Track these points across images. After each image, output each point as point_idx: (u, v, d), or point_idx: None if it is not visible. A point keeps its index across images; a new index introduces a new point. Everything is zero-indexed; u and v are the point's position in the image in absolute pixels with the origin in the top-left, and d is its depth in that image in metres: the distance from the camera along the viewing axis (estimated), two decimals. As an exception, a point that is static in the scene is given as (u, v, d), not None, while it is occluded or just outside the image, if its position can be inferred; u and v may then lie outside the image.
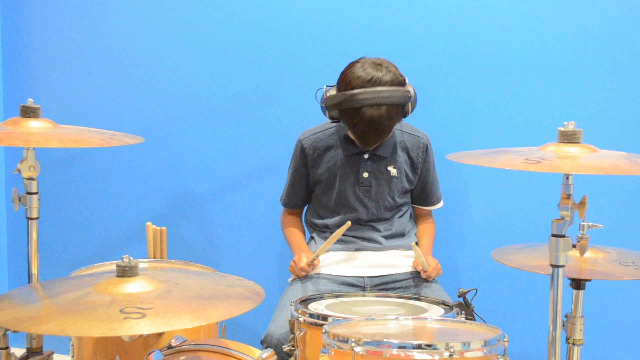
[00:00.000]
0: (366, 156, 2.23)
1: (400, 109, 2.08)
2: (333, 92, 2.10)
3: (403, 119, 2.16)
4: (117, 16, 2.88)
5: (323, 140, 2.28)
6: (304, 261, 2.19)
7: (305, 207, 2.42)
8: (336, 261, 2.25)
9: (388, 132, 2.11)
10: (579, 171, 1.37)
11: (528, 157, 1.42)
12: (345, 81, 2.06)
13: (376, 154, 2.23)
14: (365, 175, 2.24)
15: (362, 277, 2.23)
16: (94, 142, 1.71)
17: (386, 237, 2.28)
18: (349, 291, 2.12)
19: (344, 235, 2.25)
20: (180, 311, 1.33)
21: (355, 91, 2.03)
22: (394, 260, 2.25)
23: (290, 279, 2.30)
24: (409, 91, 2.08)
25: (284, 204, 2.41)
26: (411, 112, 2.14)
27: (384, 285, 2.22)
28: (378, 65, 2.07)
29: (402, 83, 2.08)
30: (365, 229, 2.28)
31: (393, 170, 2.24)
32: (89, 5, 2.92)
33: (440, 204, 2.39)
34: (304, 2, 2.64)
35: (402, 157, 2.26)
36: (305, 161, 2.29)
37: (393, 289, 2.19)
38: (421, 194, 2.35)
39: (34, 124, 1.69)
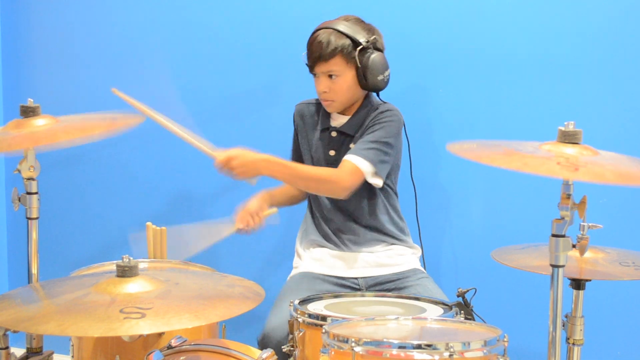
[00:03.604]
0: (334, 134, 2.25)
1: (348, 44, 2.12)
2: None
3: (364, 86, 2.16)
4: (117, 16, 2.88)
5: (309, 112, 2.33)
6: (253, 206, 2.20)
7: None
8: (328, 264, 2.24)
9: (326, 53, 2.12)
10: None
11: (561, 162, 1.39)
12: None
13: (342, 132, 2.24)
14: (332, 153, 2.24)
15: (357, 277, 2.22)
16: (100, 127, 1.70)
17: (366, 228, 2.24)
18: (345, 292, 2.12)
19: (328, 228, 2.26)
20: (180, 311, 1.33)
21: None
22: (388, 260, 2.24)
23: (288, 277, 2.30)
24: (368, 46, 2.13)
25: None
26: (371, 78, 2.13)
27: (379, 286, 2.21)
28: (357, 18, 2.20)
29: (365, 35, 2.14)
30: (341, 213, 2.25)
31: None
32: (88, 5, 2.92)
33: (368, 169, 2.11)
34: (304, 2, 2.64)
35: (364, 132, 2.22)
36: (296, 128, 2.37)
37: (388, 289, 2.19)
38: (356, 143, 2.17)
39: (35, 122, 1.68)
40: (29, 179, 1.71)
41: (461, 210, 2.54)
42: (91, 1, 2.92)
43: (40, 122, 1.68)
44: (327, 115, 2.28)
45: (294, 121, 2.38)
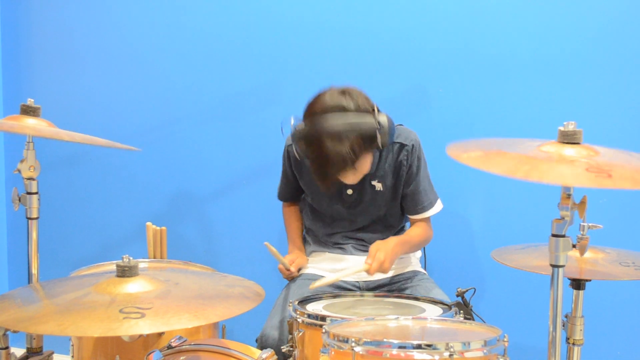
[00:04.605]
0: None
1: (364, 140, 1.92)
2: (302, 126, 1.98)
3: (377, 149, 2.02)
4: (117, 16, 2.88)
5: None
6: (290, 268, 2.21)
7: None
8: (330, 267, 2.24)
9: (354, 162, 1.94)
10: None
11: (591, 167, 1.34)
12: (310, 111, 1.98)
13: None
14: (349, 192, 2.16)
15: (358, 281, 2.21)
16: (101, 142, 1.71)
17: (371, 237, 2.21)
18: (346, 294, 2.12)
19: (332, 237, 2.25)
20: (180, 311, 1.33)
21: (317, 119, 1.92)
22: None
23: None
24: (378, 121, 1.93)
25: (278, 196, 2.40)
26: (388, 142, 1.97)
27: (379, 289, 2.20)
28: (344, 93, 1.95)
29: (369, 114, 1.94)
30: (348, 225, 2.24)
31: (378, 185, 2.15)
32: (89, 5, 2.92)
33: (436, 208, 2.22)
34: (304, 2, 2.64)
35: (386, 168, 2.15)
36: (291, 166, 2.25)
37: (390, 290, 2.18)
38: (412, 198, 2.18)
39: (31, 122, 1.69)
40: (29, 179, 1.71)
41: (461, 210, 2.54)
42: (91, 1, 2.92)
43: (35, 123, 1.69)
44: None
45: (289, 160, 2.22)
